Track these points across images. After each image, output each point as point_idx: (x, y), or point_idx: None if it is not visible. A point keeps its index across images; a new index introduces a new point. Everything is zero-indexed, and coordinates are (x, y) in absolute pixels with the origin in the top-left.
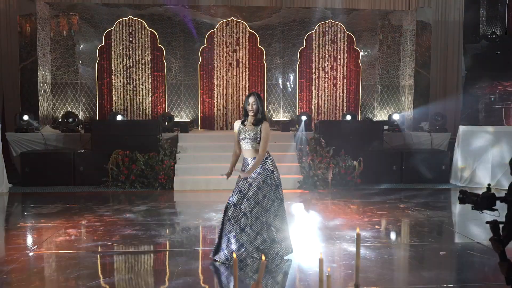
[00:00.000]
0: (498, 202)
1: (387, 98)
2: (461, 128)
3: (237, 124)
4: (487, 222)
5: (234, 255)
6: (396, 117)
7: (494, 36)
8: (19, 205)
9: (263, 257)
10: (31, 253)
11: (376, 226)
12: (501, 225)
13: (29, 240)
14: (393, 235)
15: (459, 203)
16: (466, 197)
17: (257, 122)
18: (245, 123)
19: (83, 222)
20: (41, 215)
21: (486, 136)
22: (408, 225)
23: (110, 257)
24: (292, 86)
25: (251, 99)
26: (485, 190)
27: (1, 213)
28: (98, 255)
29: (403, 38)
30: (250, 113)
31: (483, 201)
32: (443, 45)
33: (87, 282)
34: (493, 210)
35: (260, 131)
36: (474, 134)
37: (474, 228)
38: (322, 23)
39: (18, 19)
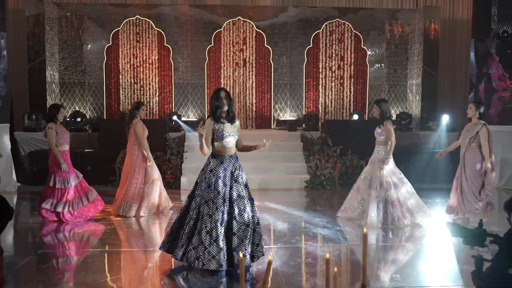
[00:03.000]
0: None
1: (394, 97)
2: None
3: (212, 121)
4: (473, 256)
5: (241, 254)
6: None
7: (506, 34)
8: (28, 204)
9: (270, 257)
10: (39, 252)
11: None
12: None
13: (37, 238)
14: (400, 235)
15: (451, 235)
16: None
17: (231, 119)
18: (222, 120)
19: (91, 221)
20: None
21: (494, 136)
22: (416, 224)
23: (117, 255)
24: (299, 85)
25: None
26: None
27: None
28: (106, 254)
29: (411, 37)
30: (225, 108)
31: (473, 238)
32: (451, 44)
33: (95, 281)
34: (483, 246)
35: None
36: None
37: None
38: (329, 22)
39: (26, 19)
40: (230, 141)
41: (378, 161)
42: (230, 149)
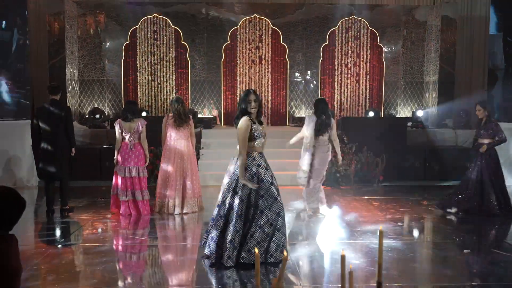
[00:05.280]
0: None
1: (410, 94)
2: None
3: (250, 122)
4: None
5: (256, 250)
6: (420, 113)
7: None
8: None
9: (285, 253)
10: (59, 246)
11: (399, 223)
12: None
13: (57, 233)
14: (415, 232)
15: None
16: None
17: (260, 120)
18: (254, 120)
19: (109, 216)
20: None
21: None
22: (431, 222)
23: (135, 250)
24: (315, 82)
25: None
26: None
27: (31, 206)
28: (124, 248)
29: (428, 34)
30: (254, 110)
31: None
32: (469, 40)
33: (113, 275)
34: None
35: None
36: None
37: (499, 226)
38: (345, 19)
39: (47, 18)
40: (261, 140)
41: None
42: (261, 148)
